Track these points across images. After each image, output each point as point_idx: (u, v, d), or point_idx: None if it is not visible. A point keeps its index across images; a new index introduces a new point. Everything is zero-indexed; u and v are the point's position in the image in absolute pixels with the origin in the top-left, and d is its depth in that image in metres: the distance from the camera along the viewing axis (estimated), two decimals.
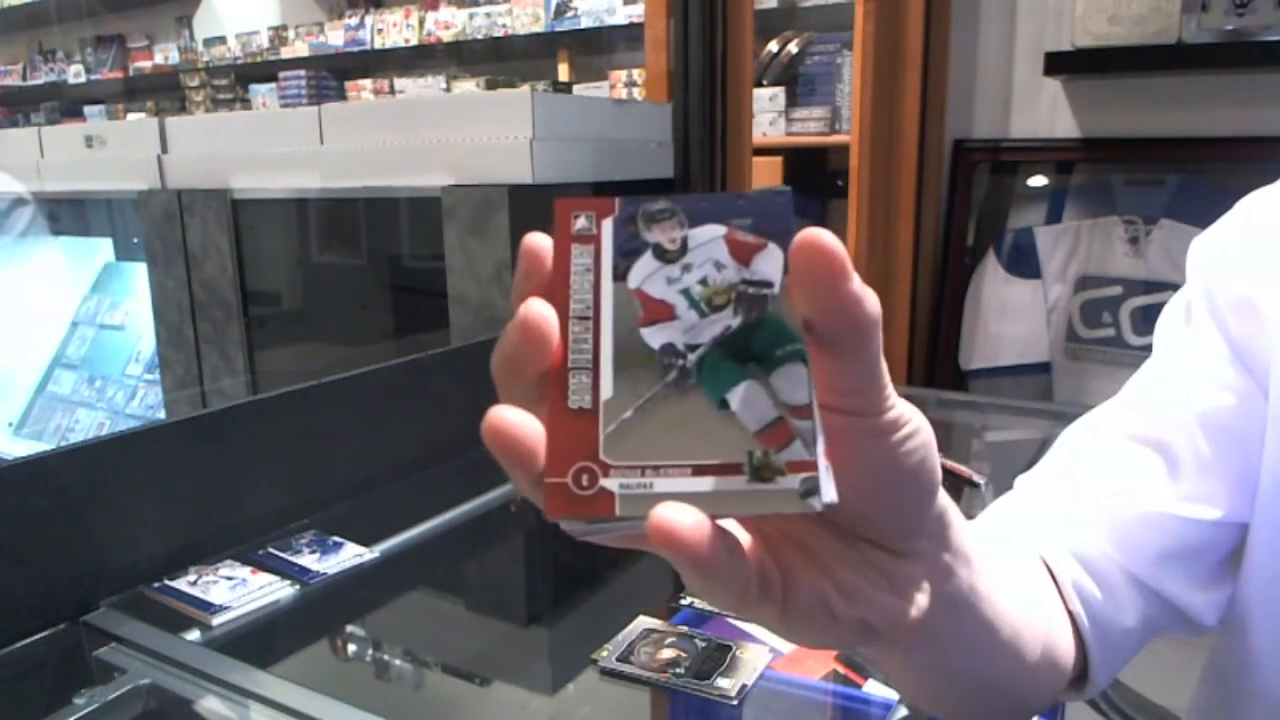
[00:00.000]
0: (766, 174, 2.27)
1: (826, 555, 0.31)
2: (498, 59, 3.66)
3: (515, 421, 0.25)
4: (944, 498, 0.33)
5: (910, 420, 0.29)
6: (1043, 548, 0.50)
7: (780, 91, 2.50)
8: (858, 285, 0.26)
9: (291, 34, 4.09)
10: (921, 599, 0.32)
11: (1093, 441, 0.54)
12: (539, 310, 0.26)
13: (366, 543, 0.82)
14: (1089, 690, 0.50)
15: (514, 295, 0.27)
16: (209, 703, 0.60)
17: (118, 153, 1.70)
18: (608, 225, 0.28)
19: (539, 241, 0.27)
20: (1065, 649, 0.47)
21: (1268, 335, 0.48)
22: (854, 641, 0.32)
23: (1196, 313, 0.52)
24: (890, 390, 0.29)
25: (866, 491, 0.29)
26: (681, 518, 0.24)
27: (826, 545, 0.31)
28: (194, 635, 0.68)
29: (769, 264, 0.27)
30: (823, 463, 0.25)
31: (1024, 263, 1.86)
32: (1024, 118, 1.87)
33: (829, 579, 0.30)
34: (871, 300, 0.26)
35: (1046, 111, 1.85)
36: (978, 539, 0.37)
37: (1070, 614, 0.49)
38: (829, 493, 0.25)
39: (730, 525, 0.29)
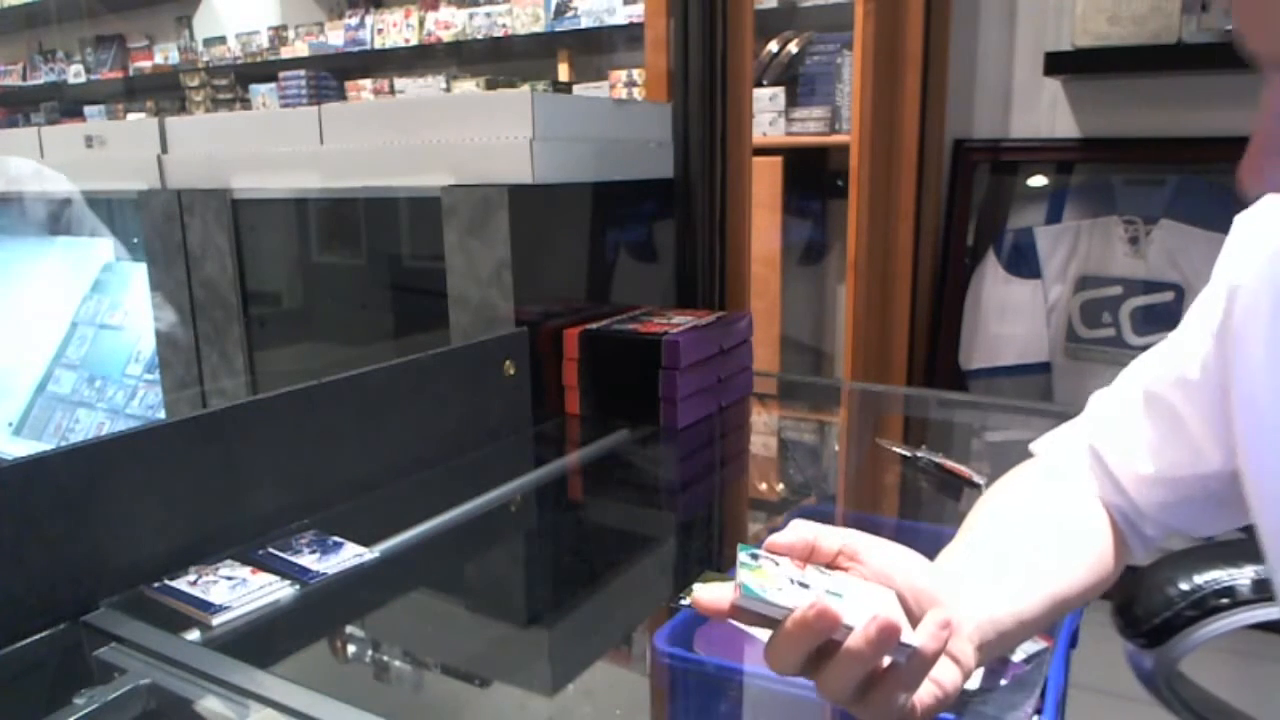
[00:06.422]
0: (767, 174, 2.27)
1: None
2: (498, 59, 3.66)
3: None
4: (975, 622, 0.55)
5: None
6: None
7: (780, 91, 2.50)
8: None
9: (291, 34, 4.09)
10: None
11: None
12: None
13: (366, 543, 0.82)
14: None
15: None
16: (209, 703, 0.60)
17: (118, 153, 1.70)
18: None
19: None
20: (1109, 555, 0.66)
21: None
22: None
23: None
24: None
25: None
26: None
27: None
28: (194, 635, 0.68)
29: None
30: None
31: (1024, 263, 1.86)
32: (1024, 118, 1.87)
33: None
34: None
35: (1046, 111, 1.85)
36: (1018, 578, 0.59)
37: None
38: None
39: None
